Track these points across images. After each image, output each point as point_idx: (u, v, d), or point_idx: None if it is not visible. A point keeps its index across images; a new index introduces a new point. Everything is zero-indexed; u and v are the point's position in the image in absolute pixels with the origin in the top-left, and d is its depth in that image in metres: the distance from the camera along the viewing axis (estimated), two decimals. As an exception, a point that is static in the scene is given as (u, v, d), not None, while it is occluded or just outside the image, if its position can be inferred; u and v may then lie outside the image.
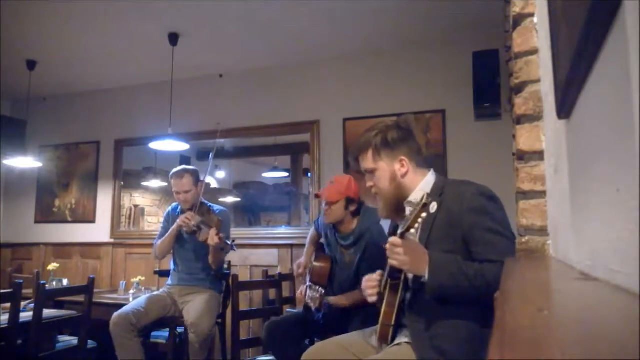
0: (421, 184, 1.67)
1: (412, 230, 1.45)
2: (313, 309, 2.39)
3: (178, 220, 3.02)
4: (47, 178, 5.17)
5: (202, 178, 3.21)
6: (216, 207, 3.17)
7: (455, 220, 1.51)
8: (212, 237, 2.82)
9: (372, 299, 1.72)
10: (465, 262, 1.45)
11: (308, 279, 2.58)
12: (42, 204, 5.18)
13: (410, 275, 1.62)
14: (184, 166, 3.25)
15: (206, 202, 3.12)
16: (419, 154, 1.74)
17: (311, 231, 2.85)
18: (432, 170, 1.72)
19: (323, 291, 2.38)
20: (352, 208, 2.46)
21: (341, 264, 2.51)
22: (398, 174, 1.68)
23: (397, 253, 1.46)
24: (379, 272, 1.78)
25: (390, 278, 1.65)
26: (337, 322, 2.39)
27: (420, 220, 1.43)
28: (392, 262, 1.51)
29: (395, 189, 1.67)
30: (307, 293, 2.44)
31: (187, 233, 3.03)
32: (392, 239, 1.49)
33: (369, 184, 1.74)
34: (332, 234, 2.56)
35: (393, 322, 1.63)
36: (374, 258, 1.61)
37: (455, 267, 1.43)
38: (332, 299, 2.41)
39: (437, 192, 1.61)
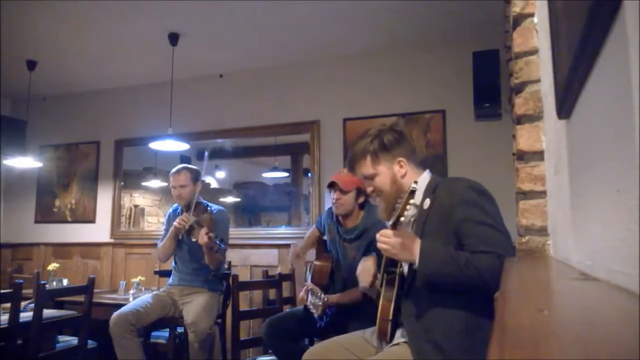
0: (418, 179, 1.68)
1: (402, 219, 1.47)
2: (315, 316, 2.38)
3: (175, 222, 3.03)
4: (47, 178, 5.17)
5: (202, 178, 3.21)
6: (214, 206, 3.17)
7: (446, 215, 1.52)
8: (201, 237, 2.81)
9: (363, 284, 1.76)
10: (457, 251, 1.46)
11: (309, 278, 2.58)
12: (42, 204, 5.18)
13: (405, 269, 1.63)
14: (184, 164, 3.28)
15: (204, 202, 3.12)
16: (415, 155, 1.77)
17: (311, 228, 2.85)
18: (427, 170, 1.74)
19: (326, 299, 2.36)
20: (361, 200, 2.47)
21: (343, 259, 2.51)
22: (398, 175, 1.70)
23: (387, 242, 1.49)
24: (372, 255, 1.80)
25: (386, 272, 1.66)
26: (338, 322, 2.38)
27: (408, 207, 1.46)
28: (383, 251, 1.53)
29: (396, 191, 1.68)
30: (309, 298, 2.42)
31: (183, 234, 3.03)
32: (383, 230, 1.52)
33: (369, 189, 1.76)
34: (335, 227, 2.56)
35: (391, 317, 1.64)
36: (378, 254, 1.62)
37: (447, 255, 1.44)
38: (332, 298, 2.40)
39: (430, 190, 1.63)
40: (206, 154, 3.22)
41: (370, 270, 1.79)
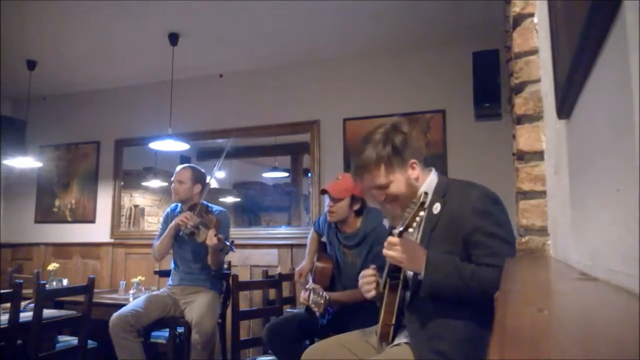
0: (425, 184, 1.64)
1: (411, 230, 1.46)
2: (317, 314, 2.37)
3: (176, 219, 3.02)
4: (47, 178, 5.17)
5: (207, 181, 3.22)
6: (215, 207, 3.17)
7: (457, 222, 1.51)
8: (210, 238, 2.83)
9: (370, 294, 1.73)
10: (462, 263, 1.46)
11: (310, 279, 2.57)
12: (42, 204, 5.18)
13: (409, 275, 1.62)
14: (192, 164, 3.33)
15: (205, 202, 3.12)
16: (421, 154, 1.70)
17: (311, 233, 2.84)
18: (433, 170, 1.70)
19: (328, 297, 2.35)
20: (356, 207, 2.44)
21: (343, 264, 2.50)
22: (412, 177, 1.62)
23: (395, 250, 1.48)
24: (372, 267, 1.78)
25: (390, 277, 1.66)
26: (338, 321, 2.38)
27: (418, 219, 1.44)
28: (389, 259, 1.52)
29: (411, 192, 1.60)
30: (311, 297, 2.42)
31: (185, 234, 3.02)
32: (390, 238, 1.50)
33: (381, 197, 1.64)
34: (334, 233, 2.55)
35: (394, 322, 1.63)
36: (380, 258, 1.61)
37: (452, 267, 1.44)
38: (334, 296, 2.40)
39: (440, 193, 1.59)
40: (228, 145, 3.27)
41: (371, 281, 1.75)
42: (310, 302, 2.40)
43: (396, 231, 1.49)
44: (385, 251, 1.51)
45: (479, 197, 1.52)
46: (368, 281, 1.74)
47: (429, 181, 1.65)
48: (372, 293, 1.72)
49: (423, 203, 1.42)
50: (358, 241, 2.42)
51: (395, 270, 1.64)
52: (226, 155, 4.94)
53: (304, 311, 2.51)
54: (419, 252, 1.47)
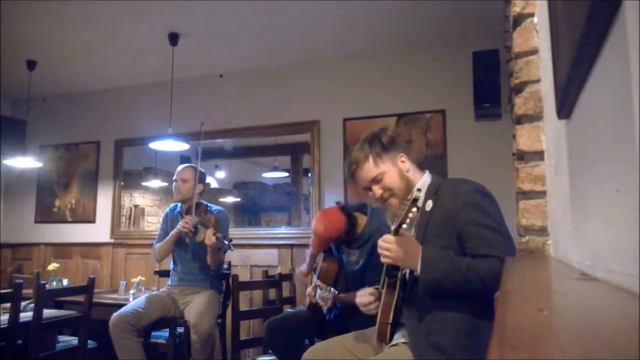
0: (419, 183, 1.68)
1: (404, 226, 1.47)
2: (324, 309, 2.37)
3: (178, 226, 3.02)
4: (47, 178, 5.17)
5: (207, 181, 3.23)
6: (214, 207, 3.17)
7: (449, 217, 1.53)
8: (209, 237, 2.83)
9: (368, 313, 1.76)
10: (457, 256, 1.47)
11: (315, 277, 2.57)
12: (42, 204, 5.18)
13: (407, 273, 1.63)
14: (193, 164, 3.34)
15: (204, 202, 3.12)
16: (409, 152, 1.78)
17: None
18: (427, 172, 1.75)
19: (336, 292, 2.36)
20: (349, 235, 2.44)
21: (347, 262, 2.50)
22: (403, 170, 1.70)
23: (389, 249, 1.49)
24: (374, 287, 1.79)
25: (387, 276, 1.66)
26: (340, 321, 2.38)
27: (411, 215, 1.46)
28: (383, 259, 1.53)
29: (406, 185, 1.67)
30: (318, 292, 2.42)
31: (185, 235, 3.03)
32: (384, 236, 1.51)
33: (378, 192, 1.68)
34: None
35: (391, 320, 1.64)
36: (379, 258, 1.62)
37: (448, 262, 1.45)
38: (339, 296, 2.39)
39: (432, 191, 1.62)
40: (199, 149, 3.26)
41: (370, 302, 1.78)
42: (317, 297, 2.40)
43: (392, 228, 1.50)
44: (379, 250, 1.51)
45: (468, 191, 1.54)
46: (367, 301, 1.77)
47: (423, 181, 1.69)
48: (369, 313, 1.77)
49: (415, 199, 1.44)
50: (362, 242, 2.42)
51: (393, 269, 1.64)
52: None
53: (307, 309, 2.51)
54: (414, 249, 1.48)
